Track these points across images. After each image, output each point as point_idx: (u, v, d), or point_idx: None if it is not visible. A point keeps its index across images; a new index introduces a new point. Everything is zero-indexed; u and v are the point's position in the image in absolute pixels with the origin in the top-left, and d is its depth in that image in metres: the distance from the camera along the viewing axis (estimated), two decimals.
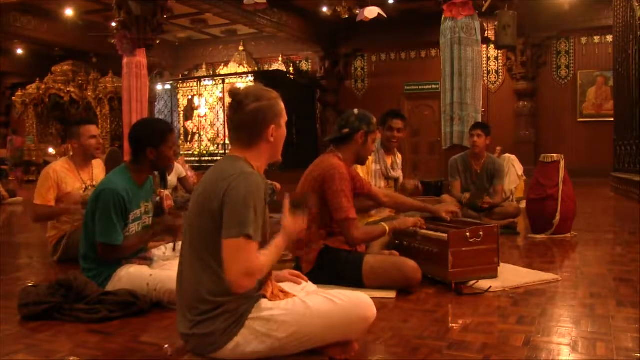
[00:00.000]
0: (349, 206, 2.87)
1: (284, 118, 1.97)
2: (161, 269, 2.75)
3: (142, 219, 2.86)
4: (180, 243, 2.15)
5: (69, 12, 13.12)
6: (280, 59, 15.88)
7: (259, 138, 1.91)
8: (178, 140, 12.50)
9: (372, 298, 1.97)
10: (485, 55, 13.34)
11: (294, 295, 1.98)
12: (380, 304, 2.14)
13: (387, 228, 2.97)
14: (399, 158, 4.17)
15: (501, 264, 3.13)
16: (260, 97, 1.91)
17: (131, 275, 2.65)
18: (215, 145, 15.07)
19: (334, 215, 2.87)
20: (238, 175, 1.79)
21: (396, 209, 3.53)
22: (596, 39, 12.97)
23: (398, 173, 4.07)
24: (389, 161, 4.01)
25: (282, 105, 1.97)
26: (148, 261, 2.84)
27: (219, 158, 14.24)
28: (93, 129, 3.87)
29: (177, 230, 2.84)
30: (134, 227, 2.80)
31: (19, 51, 16.61)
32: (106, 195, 2.66)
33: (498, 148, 9.10)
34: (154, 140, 2.78)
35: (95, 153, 3.89)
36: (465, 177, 5.13)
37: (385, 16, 10.32)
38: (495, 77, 13.93)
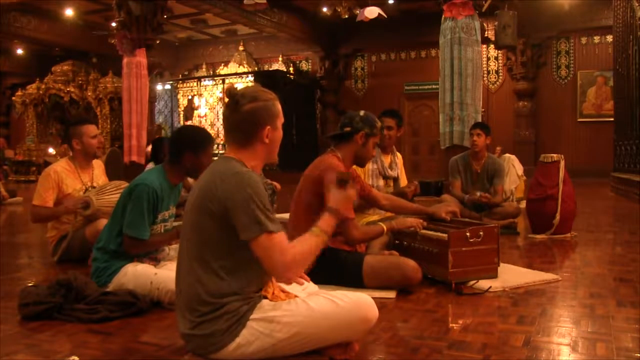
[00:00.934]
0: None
1: (281, 119, 1.97)
2: (165, 269, 2.76)
3: (168, 221, 2.89)
4: None
5: (69, 12, 13.14)
6: (280, 59, 15.89)
7: (254, 139, 1.91)
8: None
9: (372, 298, 1.97)
10: (485, 55, 13.35)
11: (295, 296, 1.98)
12: (380, 304, 2.14)
13: (385, 228, 2.97)
14: (398, 158, 4.16)
15: (501, 264, 3.13)
16: (256, 97, 1.91)
17: (137, 272, 2.67)
18: (215, 145, 15.08)
19: None
20: (233, 175, 1.79)
21: (395, 212, 3.53)
22: (596, 39, 12.98)
23: (396, 172, 4.06)
24: (387, 160, 4.01)
25: (278, 106, 1.96)
26: (156, 262, 2.87)
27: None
28: (94, 129, 3.87)
29: None
30: (159, 228, 2.82)
31: (19, 51, 16.63)
32: (141, 190, 2.69)
33: (498, 148, 9.11)
34: (194, 146, 2.79)
35: (96, 152, 3.90)
36: (465, 177, 5.13)
37: (385, 16, 10.32)
38: (495, 77, 13.94)
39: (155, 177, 2.77)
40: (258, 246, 1.74)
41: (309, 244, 1.82)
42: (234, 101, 1.90)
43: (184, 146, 2.79)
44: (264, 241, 1.73)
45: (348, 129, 3.03)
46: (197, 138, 2.84)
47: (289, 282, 1.83)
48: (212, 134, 14.99)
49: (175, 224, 2.95)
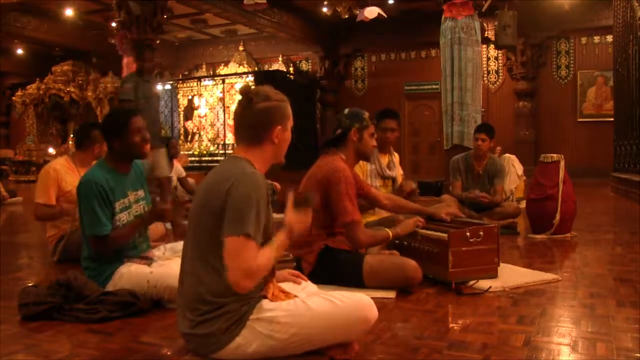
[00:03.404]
0: (354, 209, 2.87)
1: (290, 122, 1.99)
2: (160, 267, 2.74)
3: (131, 207, 2.82)
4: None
5: (69, 12, 13.12)
6: (280, 59, 15.89)
7: (264, 137, 1.92)
8: (178, 140, 12.42)
9: (372, 298, 1.97)
10: (485, 55, 13.34)
11: (295, 296, 1.98)
12: (380, 304, 2.14)
13: (391, 235, 2.98)
14: (395, 157, 4.16)
15: (501, 264, 3.13)
16: (270, 97, 1.93)
17: (132, 273, 2.65)
18: (216, 145, 15.07)
19: (338, 218, 2.87)
20: (241, 175, 1.80)
21: (396, 212, 3.53)
22: (596, 39, 12.98)
23: (394, 172, 4.06)
24: (384, 160, 4.01)
25: (289, 109, 1.99)
26: (149, 261, 2.84)
27: (219, 158, 14.24)
28: None
29: (166, 214, 2.85)
30: (123, 217, 2.76)
31: (19, 51, 16.62)
32: (85, 187, 2.68)
33: (498, 148, 9.10)
34: (114, 130, 2.78)
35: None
36: (466, 177, 5.13)
37: (385, 16, 10.32)
38: (495, 77, 13.94)
39: (97, 170, 2.75)
40: (230, 245, 1.73)
41: (269, 257, 1.81)
42: (247, 99, 1.92)
43: (108, 134, 2.80)
44: (239, 242, 1.72)
45: (339, 131, 3.04)
46: (115, 124, 2.81)
47: (243, 290, 1.77)
48: (212, 134, 15.08)
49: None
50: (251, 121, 1.92)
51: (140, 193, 2.90)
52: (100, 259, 2.70)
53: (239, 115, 1.95)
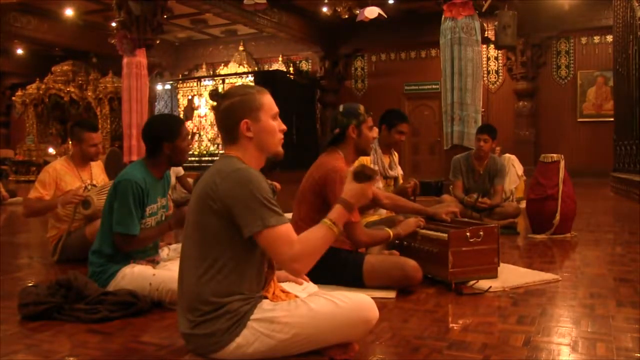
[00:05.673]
0: None
1: (266, 111, 1.92)
2: (164, 269, 2.75)
3: (158, 214, 2.86)
4: None
5: (69, 12, 13.15)
6: (280, 59, 15.89)
7: (237, 135, 1.90)
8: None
9: (372, 298, 1.96)
10: (485, 55, 13.34)
11: (296, 296, 1.98)
12: (380, 304, 2.13)
13: (392, 234, 2.97)
14: (395, 156, 4.17)
15: (501, 264, 3.13)
16: (232, 94, 1.92)
17: (135, 274, 2.65)
18: (215, 145, 15.07)
19: None
20: (233, 172, 1.79)
21: (396, 211, 3.53)
22: (596, 39, 12.98)
23: (396, 172, 4.07)
24: (386, 160, 4.01)
25: (262, 98, 1.92)
26: (155, 264, 2.85)
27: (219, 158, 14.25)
28: (96, 137, 3.87)
29: None
30: (150, 221, 2.80)
31: (19, 51, 16.63)
32: (125, 185, 2.68)
33: (497, 148, 9.10)
34: (169, 135, 2.81)
35: (94, 158, 3.91)
36: (467, 177, 5.14)
37: (386, 16, 10.32)
38: (495, 77, 13.94)
39: (138, 171, 2.77)
40: (263, 240, 1.76)
41: (318, 235, 1.81)
42: (215, 102, 1.94)
43: (160, 138, 2.81)
44: (267, 236, 1.74)
45: (337, 130, 3.03)
46: (168, 127, 2.85)
47: (298, 274, 1.84)
48: (212, 134, 15.09)
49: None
50: (220, 122, 1.94)
51: (164, 201, 2.93)
52: (109, 256, 2.71)
53: (215, 120, 1.97)
